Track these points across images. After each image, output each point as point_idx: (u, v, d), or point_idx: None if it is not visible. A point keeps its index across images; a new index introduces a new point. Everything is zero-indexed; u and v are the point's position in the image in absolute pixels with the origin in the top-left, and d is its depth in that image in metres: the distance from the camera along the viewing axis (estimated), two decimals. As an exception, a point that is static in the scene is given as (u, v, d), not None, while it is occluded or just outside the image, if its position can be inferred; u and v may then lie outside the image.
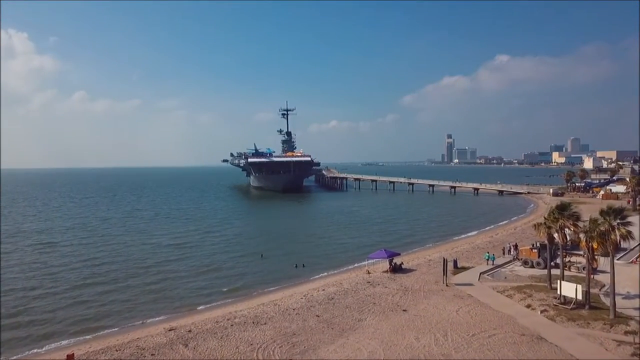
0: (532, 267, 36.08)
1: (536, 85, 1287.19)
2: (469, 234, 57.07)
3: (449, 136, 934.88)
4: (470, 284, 31.61)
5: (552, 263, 35.94)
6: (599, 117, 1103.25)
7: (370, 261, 37.43)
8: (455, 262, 36.51)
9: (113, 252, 46.35)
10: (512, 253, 40.11)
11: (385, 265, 36.25)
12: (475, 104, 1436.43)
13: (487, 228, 61.40)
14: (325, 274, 37.78)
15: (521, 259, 37.29)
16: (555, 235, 28.93)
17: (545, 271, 34.39)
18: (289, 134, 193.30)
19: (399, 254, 37.81)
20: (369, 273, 35.58)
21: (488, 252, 39.61)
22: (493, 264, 37.54)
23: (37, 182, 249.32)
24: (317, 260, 42.68)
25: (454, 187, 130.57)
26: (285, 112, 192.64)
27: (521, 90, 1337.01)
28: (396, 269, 35.69)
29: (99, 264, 41.16)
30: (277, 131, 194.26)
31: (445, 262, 32.05)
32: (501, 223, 65.67)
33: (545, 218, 29.38)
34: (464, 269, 36.16)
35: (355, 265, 40.31)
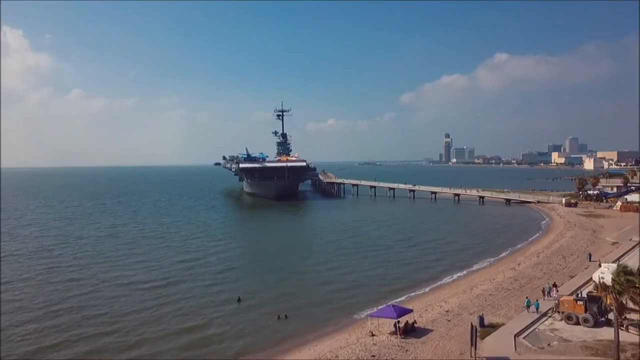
0: (578, 323, 28.58)
1: (535, 84, 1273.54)
2: (486, 263, 49.50)
3: (447, 135, 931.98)
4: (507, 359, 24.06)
5: (603, 318, 28.76)
6: (598, 117, 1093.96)
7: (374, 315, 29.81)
8: (481, 319, 28.94)
9: (70, 299, 36.62)
10: (553, 295, 32.81)
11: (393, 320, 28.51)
12: (473, 103, 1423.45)
13: (504, 254, 53.81)
14: (317, 333, 29.99)
15: (562, 312, 29.74)
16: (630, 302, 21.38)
17: (598, 330, 27.27)
18: (284, 136, 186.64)
19: (410, 311, 30.01)
20: (372, 335, 27.94)
21: (528, 298, 32.25)
22: (537, 312, 30.35)
23: (25, 185, 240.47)
24: (306, 306, 35.08)
25: (458, 195, 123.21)
26: (281, 113, 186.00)
27: (520, 89, 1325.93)
28: (408, 330, 28.06)
29: (43, 323, 30.90)
30: (272, 133, 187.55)
31: (474, 330, 24.39)
32: (518, 246, 58.22)
33: (614, 279, 21.77)
34: (493, 327, 28.62)
35: (355, 316, 32.83)
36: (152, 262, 49.44)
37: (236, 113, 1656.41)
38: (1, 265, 48.10)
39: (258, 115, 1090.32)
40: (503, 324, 29.12)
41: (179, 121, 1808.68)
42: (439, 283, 42.24)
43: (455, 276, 44.26)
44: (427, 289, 40.21)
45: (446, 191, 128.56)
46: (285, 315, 32.51)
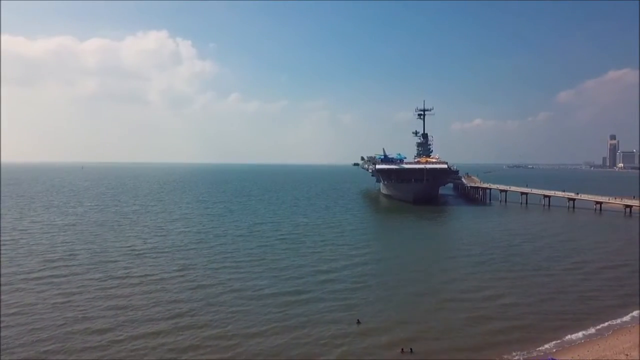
0: None
1: None
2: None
3: (613, 137, 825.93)
4: None
5: None
6: None
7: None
8: None
9: (191, 313, 33.41)
10: None
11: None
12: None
13: None
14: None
15: None
16: None
17: None
18: (425, 136, 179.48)
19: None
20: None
21: None
22: None
23: (188, 180, 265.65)
24: (435, 341, 29.21)
25: (630, 208, 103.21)
26: (422, 113, 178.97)
27: None
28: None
29: (161, 340, 28.76)
30: (412, 133, 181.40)
31: None
32: None
33: None
34: None
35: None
36: (283, 272, 46.30)
37: (379, 114, 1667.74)
38: (144, 260, 50.14)
39: (401, 116, 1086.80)
40: None
41: (324, 123, 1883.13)
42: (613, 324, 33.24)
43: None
44: (606, 334, 31.59)
45: (614, 202, 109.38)
46: (411, 349, 27.46)
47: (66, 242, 60.35)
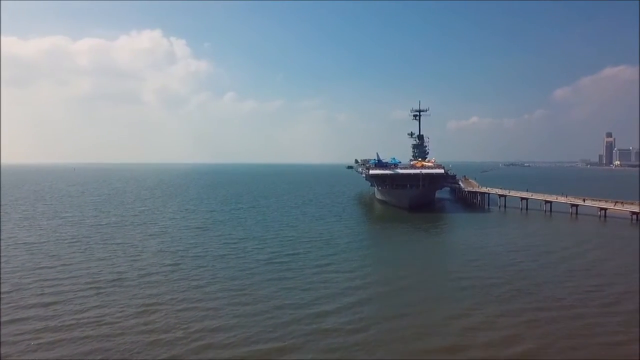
0: None
1: None
2: None
3: (609, 134, 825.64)
4: None
5: None
6: None
7: None
8: None
9: None
10: None
11: None
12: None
13: None
14: None
15: None
16: None
17: None
18: (420, 137, 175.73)
19: None
20: None
21: None
22: None
23: (178, 182, 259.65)
24: None
25: (637, 215, 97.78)
26: (418, 114, 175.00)
27: None
28: None
29: None
30: (408, 135, 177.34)
31: None
32: None
33: None
34: None
35: None
36: (264, 316, 38.30)
37: (375, 113, 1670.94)
38: (103, 298, 43.75)
39: (397, 114, 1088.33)
40: None
41: (321, 122, 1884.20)
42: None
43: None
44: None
45: (619, 208, 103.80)
46: None
47: (22, 269, 53.56)
